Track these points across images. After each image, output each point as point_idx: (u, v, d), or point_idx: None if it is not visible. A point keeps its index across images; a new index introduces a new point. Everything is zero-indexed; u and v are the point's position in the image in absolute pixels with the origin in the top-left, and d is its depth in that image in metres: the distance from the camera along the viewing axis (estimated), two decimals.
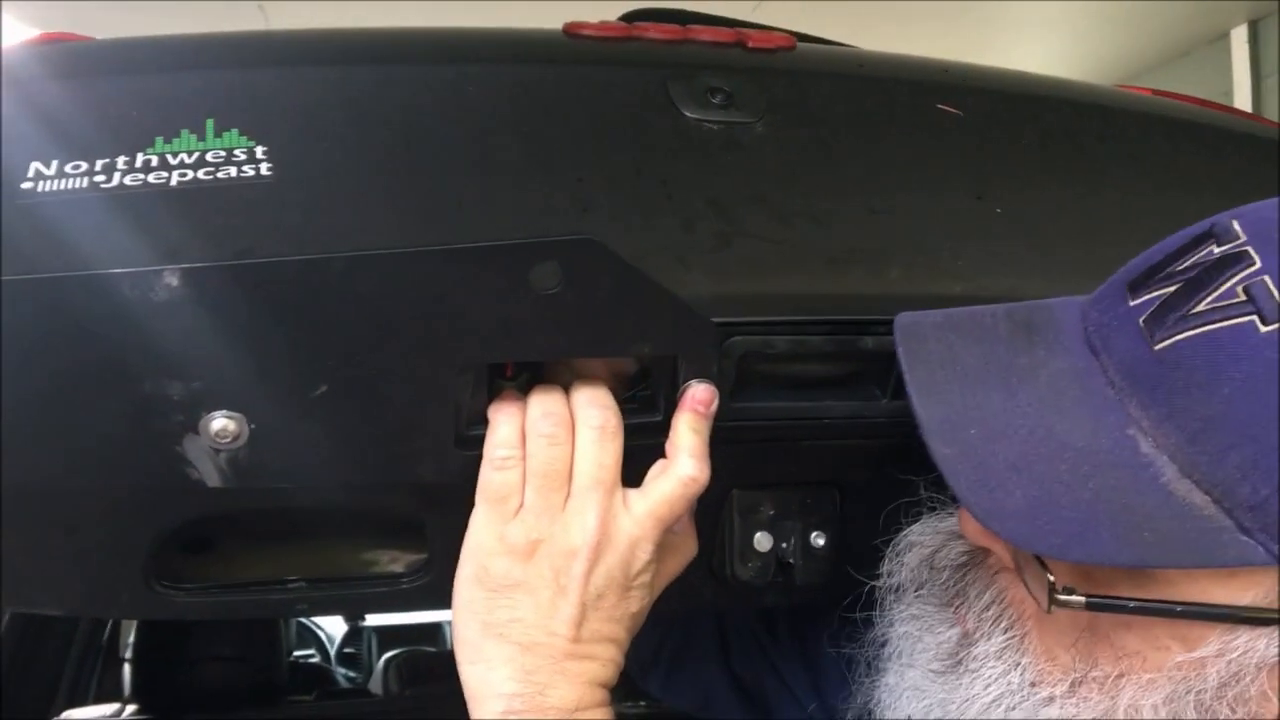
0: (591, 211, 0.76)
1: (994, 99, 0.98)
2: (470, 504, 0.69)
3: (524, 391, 0.70)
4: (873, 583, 0.77)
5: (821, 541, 0.82)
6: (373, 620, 4.32)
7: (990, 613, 0.67)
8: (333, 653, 4.12)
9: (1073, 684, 0.62)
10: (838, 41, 1.16)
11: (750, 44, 0.95)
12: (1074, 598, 0.60)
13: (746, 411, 0.73)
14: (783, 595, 0.85)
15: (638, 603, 0.69)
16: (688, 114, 0.84)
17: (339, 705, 2.32)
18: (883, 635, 0.76)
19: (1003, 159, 0.91)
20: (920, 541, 0.74)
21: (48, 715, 1.88)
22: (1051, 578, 0.60)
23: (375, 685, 2.81)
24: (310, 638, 4.05)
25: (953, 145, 0.91)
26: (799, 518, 0.82)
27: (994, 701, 0.65)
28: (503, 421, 0.68)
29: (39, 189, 0.70)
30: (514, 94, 0.84)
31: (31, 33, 0.86)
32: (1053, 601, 0.60)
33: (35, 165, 0.71)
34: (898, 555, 0.75)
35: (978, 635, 0.67)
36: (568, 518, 0.67)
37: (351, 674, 3.57)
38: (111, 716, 1.93)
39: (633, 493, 0.68)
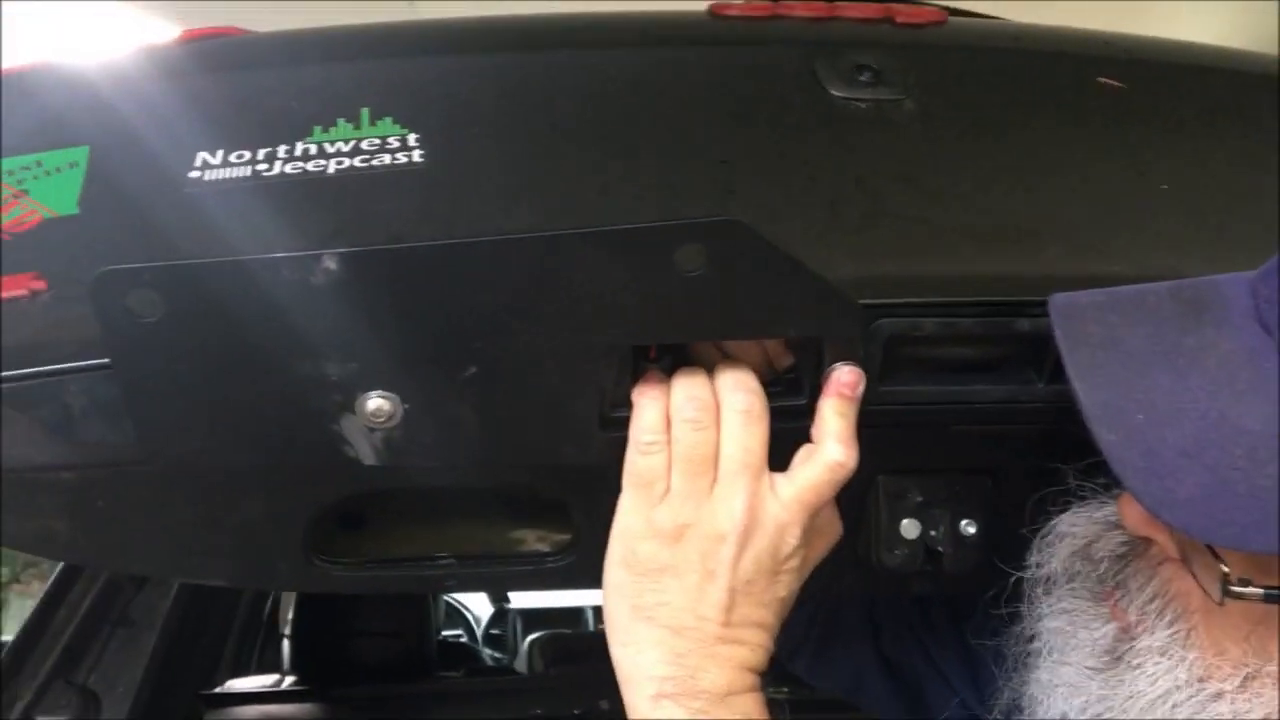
0: (736, 194, 0.76)
1: (1157, 71, 0.93)
2: (613, 486, 0.70)
3: (668, 374, 0.70)
4: (1020, 574, 0.74)
5: (972, 530, 0.79)
6: (517, 603, 4.42)
7: (1153, 606, 0.65)
8: (479, 633, 4.22)
9: (1245, 679, 0.60)
10: (989, 15, 1.12)
11: (899, 19, 0.92)
12: (1250, 589, 0.57)
13: (894, 395, 0.72)
14: (930, 583, 0.83)
15: (786, 587, 0.68)
16: (834, 92, 0.82)
17: (486, 681, 2.37)
18: (1030, 630, 0.73)
19: (1167, 134, 0.87)
20: (1073, 532, 0.72)
21: (212, 684, 1.97)
22: (1225, 568, 0.58)
23: (520, 665, 2.86)
24: (458, 619, 4.16)
25: (1113, 120, 0.87)
26: (948, 505, 0.79)
27: (1160, 698, 0.62)
28: (647, 405, 0.68)
29: (205, 178, 0.73)
30: (659, 77, 0.84)
31: (174, 30, 0.90)
32: (1226, 593, 0.57)
33: (202, 155, 0.75)
34: (1048, 546, 0.73)
35: (1140, 629, 0.64)
36: (715, 502, 0.66)
37: (497, 654, 3.65)
38: (271, 687, 2.02)
39: (779, 477, 0.68)
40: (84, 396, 0.66)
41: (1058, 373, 0.72)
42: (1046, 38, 0.99)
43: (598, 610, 4.43)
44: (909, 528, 0.79)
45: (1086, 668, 0.66)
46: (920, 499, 0.79)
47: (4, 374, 0.65)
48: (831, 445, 0.67)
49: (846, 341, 0.68)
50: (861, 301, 0.68)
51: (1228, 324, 0.61)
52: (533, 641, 2.66)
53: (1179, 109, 0.90)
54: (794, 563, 0.68)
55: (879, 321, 0.69)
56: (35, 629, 1.62)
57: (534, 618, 4.11)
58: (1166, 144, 0.86)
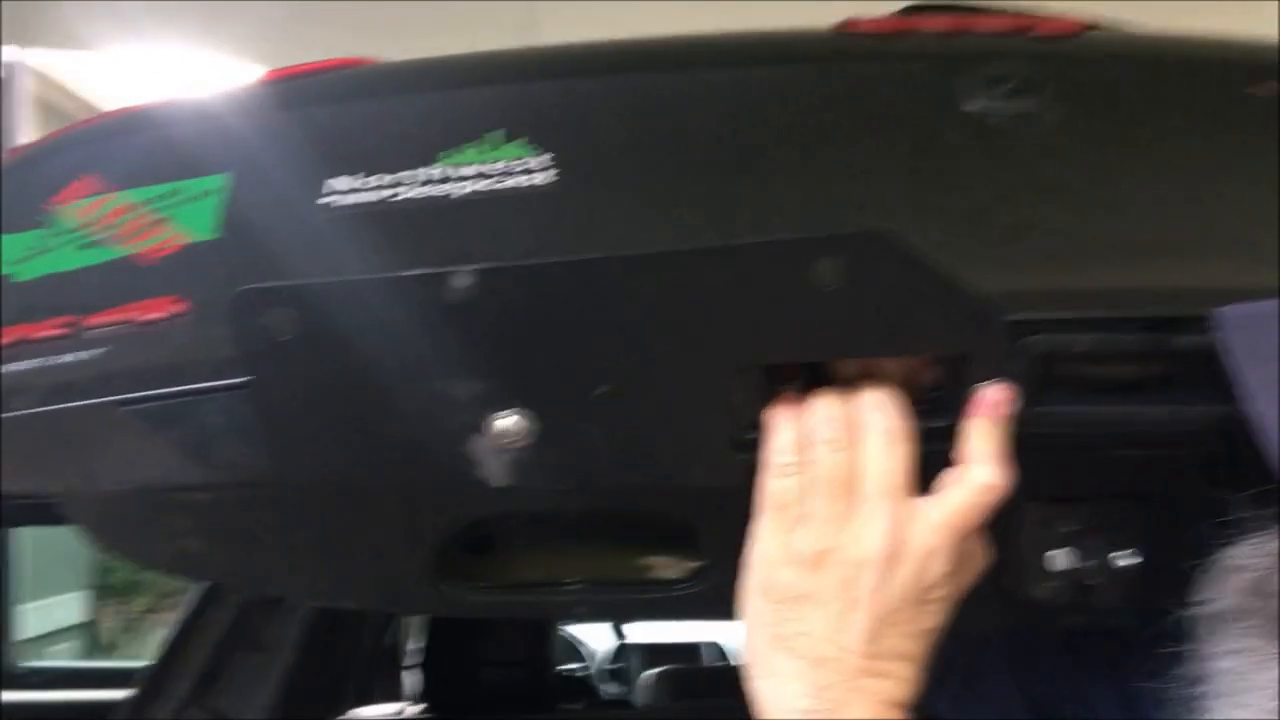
0: (869, 209, 0.73)
1: None
2: (745, 511, 0.67)
3: (804, 394, 0.68)
4: (1184, 612, 0.69)
5: (1126, 563, 0.75)
6: (633, 638, 4.41)
7: None
8: (594, 669, 4.22)
9: None
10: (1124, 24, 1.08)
11: (1036, 30, 0.89)
12: None
13: (1045, 417, 0.68)
14: (1081, 618, 0.78)
15: (933, 618, 0.65)
16: (971, 107, 0.79)
17: (605, 713, 2.36)
18: (1198, 672, 0.68)
19: None
20: (1245, 565, 0.67)
21: (339, 712, 1.99)
22: None
23: (637, 700, 2.84)
24: (574, 653, 4.16)
25: (1266, 129, 0.82)
26: (1102, 534, 0.75)
27: None
28: (783, 427, 0.66)
29: (333, 204, 0.74)
30: (790, 94, 0.82)
31: (258, 69, 0.91)
32: None
33: (330, 182, 0.76)
34: (1214, 581, 0.68)
35: None
36: (857, 527, 0.64)
37: (615, 688, 3.63)
38: (394, 715, 2.03)
39: (926, 501, 0.64)
40: (220, 416, 0.66)
41: (1224, 392, 0.68)
42: (1190, 45, 0.94)
43: (715, 646, 4.40)
44: (1059, 559, 0.75)
45: (1264, 711, 0.61)
46: (1072, 528, 0.75)
47: (144, 394, 0.66)
48: (982, 467, 0.64)
49: (995, 359, 0.65)
50: (1011, 318, 0.65)
51: None
52: (650, 676, 2.63)
53: None
54: (941, 591, 0.64)
55: (1030, 338, 0.66)
56: (170, 655, 1.66)
57: (651, 653, 4.09)
58: None
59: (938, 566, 0.64)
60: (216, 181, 0.80)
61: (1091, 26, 0.95)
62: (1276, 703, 0.61)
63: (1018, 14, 0.93)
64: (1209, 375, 0.67)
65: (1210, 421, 0.68)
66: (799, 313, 0.63)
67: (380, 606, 1.88)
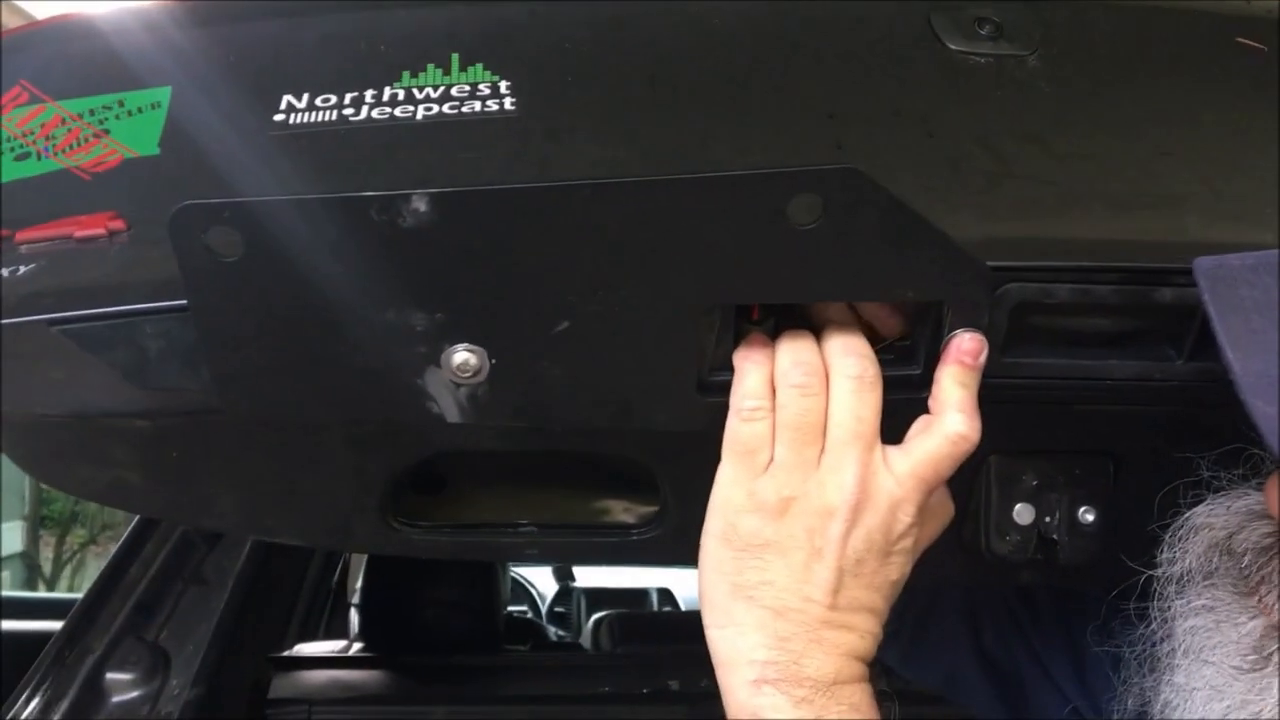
0: (845, 149, 0.71)
1: None
2: (708, 455, 0.65)
3: (772, 336, 0.65)
4: (1149, 571, 0.69)
5: (1091, 517, 0.74)
6: (582, 582, 4.42)
7: None
8: (543, 610, 4.23)
9: None
10: None
11: None
12: None
13: (1018, 368, 0.66)
14: (1043, 574, 0.77)
15: (898, 570, 0.63)
16: (952, 46, 0.77)
17: (554, 656, 2.36)
18: (1163, 630, 0.67)
19: None
20: (1210, 524, 0.66)
21: (281, 648, 1.97)
22: None
23: (584, 643, 2.85)
24: (523, 595, 4.17)
25: (1253, 82, 0.80)
26: (1066, 490, 0.74)
27: None
28: (751, 370, 0.64)
29: (290, 121, 0.70)
30: (764, 27, 0.79)
31: None
32: None
33: (287, 98, 0.72)
34: (1180, 540, 0.67)
35: None
36: (823, 474, 0.62)
37: (561, 632, 3.64)
38: (339, 652, 2.02)
39: (894, 450, 0.63)
40: (160, 340, 0.63)
41: (1198, 349, 0.67)
42: None
43: (662, 592, 4.43)
44: (1022, 513, 0.74)
45: (1231, 667, 0.61)
46: (1036, 482, 0.74)
47: (78, 314, 0.62)
48: (953, 416, 0.62)
49: (971, 306, 0.63)
50: (988, 264, 0.63)
51: None
52: (599, 620, 2.63)
53: None
54: (906, 543, 0.63)
55: (1007, 286, 0.64)
56: (108, 585, 1.62)
57: (598, 597, 4.10)
58: None
59: (905, 517, 0.62)
60: (163, 94, 0.76)
61: None
62: (1239, 660, 0.60)
63: None
64: (1184, 331, 0.66)
65: (1184, 378, 0.67)
66: (771, 251, 0.60)
67: (326, 544, 1.85)
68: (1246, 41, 0.84)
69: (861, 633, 0.62)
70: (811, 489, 0.61)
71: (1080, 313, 0.66)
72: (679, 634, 2.09)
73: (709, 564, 0.64)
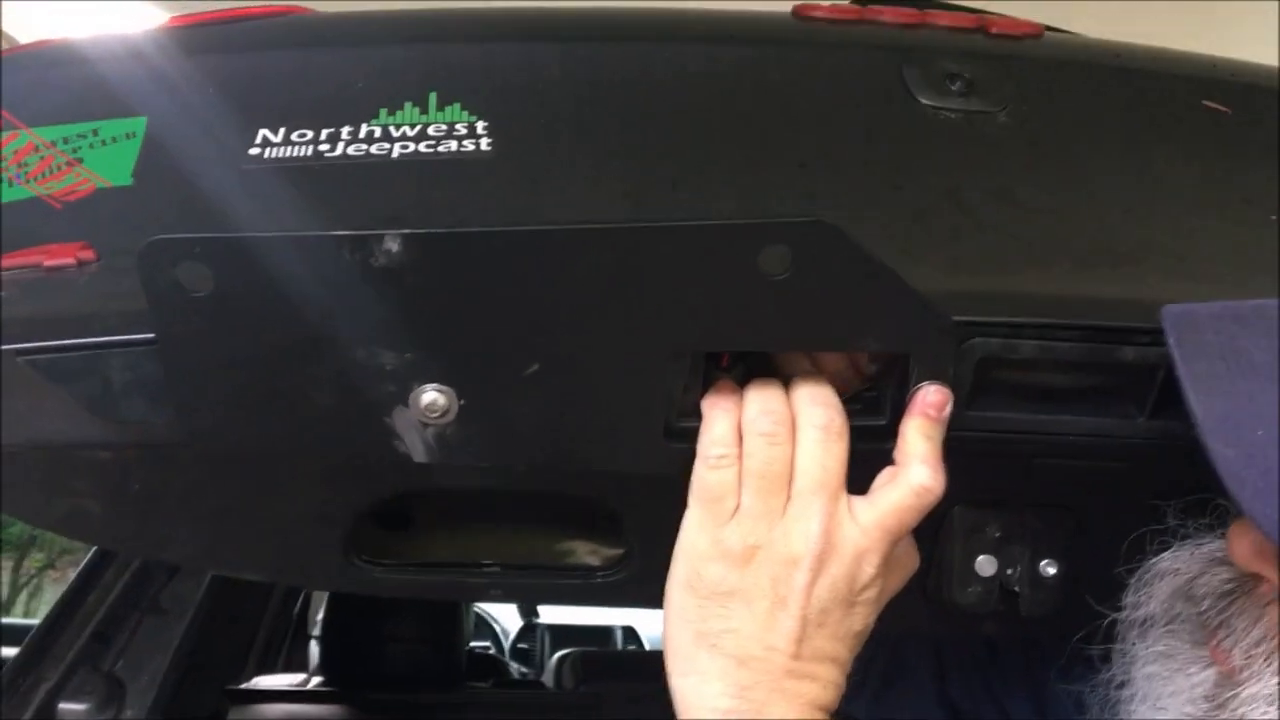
0: (815, 198, 0.72)
1: (1262, 96, 0.88)
2: (674, 500, 0.65)
3: (741, 384, 0.66)
4: (1114, 614, 0.69)
5: (1052, 570, 0.74)
6: (546, 618, 4.39)
7: (1260, 649, 0.60)
8: (506, 647, 4.20)
9: None
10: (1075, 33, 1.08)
11: (993, 30, 0.88)
12: None
13: (982, 421, 0.67)
14: (1005, 626, 0.78)
15: (861, 620, 0.63)
16: (923, 101, 0.78)
17: (515, 694, 2.34)
18: (1122, 675, 0.68)
19: (1274, 160, 0.82)
20: (1175, 569, 0.67)
21: (239, 680, 1.95)
22: None
23: (547, 680, 2.83)
24: (486, 630, 4.14)
25: (1222, 146, 0.82)
26: (1028, 542, 0.75)
27: None
28: (719, 417, 0.64)
29: (265, 155, 0.71)
30: (739, 75, 0.80)
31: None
32: None
33: (263, 132, 0.72)
34: (1145, 585, 0.68)
35: (1245, 675, 0.59)
36: (788, 523, 0.62)
37: (524, 669, 3.62)
38: (298, 686, 1.99)
39: (859, 500, 0.63)
40: (126, 373, 0.62)
41: (1160, 407, 0.68)
42: (1148, 56, 0.94)
43: (627, 630, 4.40)
44: (985, 565, 0.75)
45: (1185, 713, 0.61)
46: (998, 534, 0.75)
47: (45, 344, 0.62)
48: (918, 468, 0.62)
49: (936, 359, 0.63)
50: (954, 318, 0.63)
51: None
52: (562, 658, 2.61)
53: None
54: (871, 593, 0.63)
55: (972, 340, 0.64)
56: (64, 613, 1.60)
57: (562, 634, 4.08)
58: (1273, 171, 0.81)
59: (870, 567, 0.62)
60: (138, 124, 0.76)
61: (1050, 30, 0.95)
62: (1191, 707, 0.61)
63: (976, 12, 0.93)
64: (1146, 389, 0.67)
65: (1146, 435, 0.68)
66: (741, 300, 0.61)
67: (288, 580, 1.83)
68: (1211, 104, 0.86)
69: (824, 683, 0.62)
70: (777, 538, 0.62)
71: (1044, 368, 0.67)
72: (642, 673, 2.09)
73: (673, 611, 0.64)
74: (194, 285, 0.58)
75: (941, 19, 0.89)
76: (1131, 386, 0.67)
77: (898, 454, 0.64)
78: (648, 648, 4.02)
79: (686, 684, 0.62)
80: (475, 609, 3.64)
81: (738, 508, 0.62)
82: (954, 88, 0.80)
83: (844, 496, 0.62)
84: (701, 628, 0.62)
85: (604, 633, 4.21)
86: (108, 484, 0.70)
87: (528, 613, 4.54)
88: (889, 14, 0.89)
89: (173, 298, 0.58)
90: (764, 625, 0.61)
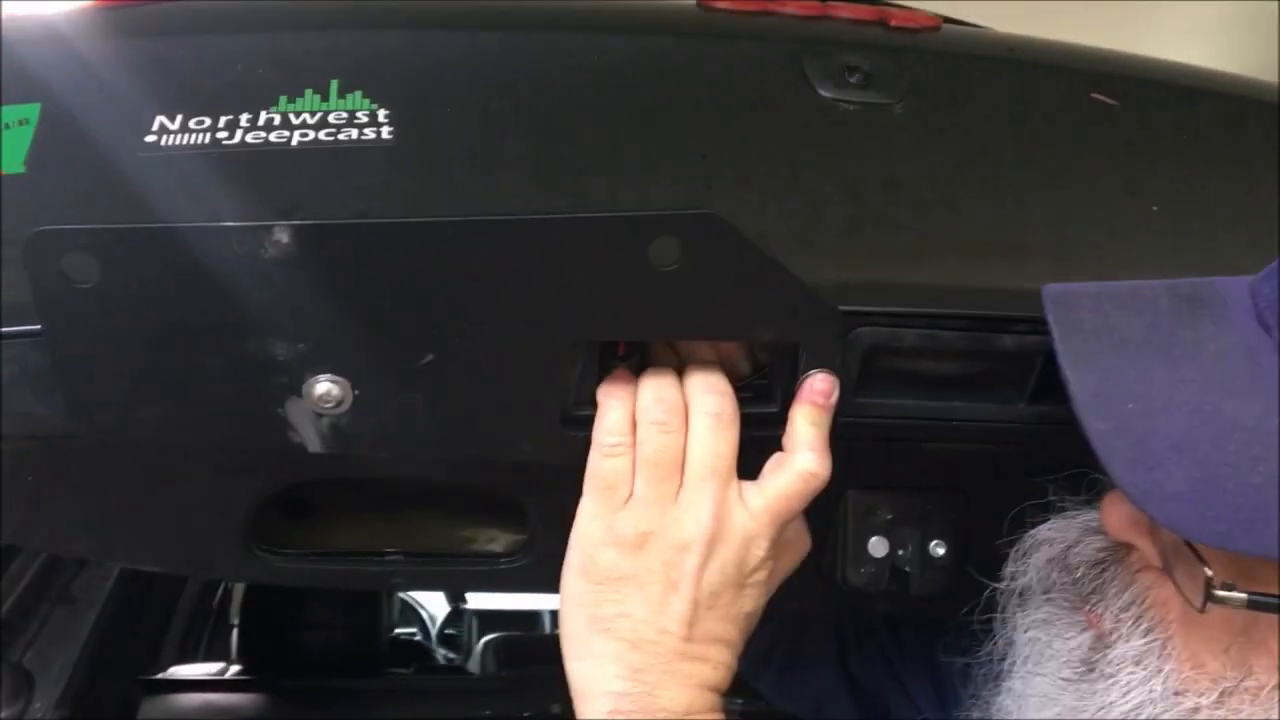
0: (714, 189, 0.73)
1: (1151, 90, 0.91)
2: (574, 487, 0.66)
3: (636, 372, 0.67)
4: (995, 585, 0.72)
5: (941, 551, 0.77)
6: (474, 603, 4.38)
7: (1129, 613, 0.62)
8: (434, 633, 4.18)
9: (1222, 694, 0.57)
10: (977, 25, 1.10)
11: (893, 23, 0.90)
12: (1234, 594, 0.55)
13: (869, 408, 0.69)
14: (897, 604, 0.80)
15: (752, 602, 0.65)
16: (823, 93, 0.80)
17: (435, 680, 2.33)
18: (1004, 643, 0.70)
19: (1159, 153, 0.85)
20: (1050, 539, 0.69)
21: (154, 670, 1.92)
22: (1209, 571, 0.55)
23: (473, 666, 2.83)
24: (413, 616, 4.11)
25: (1106, 137, 0.85)
26: (918, 524, 0.77)
27: (1133, 710, 0.60)
28: (613, 406, 0.65)
29: (162, 143, 0.70)
30: (642, 65, 0.81)
31: None
32: (1209, 598, 0.55)
33: (160, 119, 0.71)
34: (1024, 556, 0.70)
35: (1115, 638, 0.62)
36: (680, 509, 0.63)
37: (451, 654, 3.61)
38: (215, 675, 1.97)
39: (749, 485, 0.65)
40: (14, 364, 0.62)
41: (1040, 392, 0.70)
42: (1042, 50, 0.97)
43: (555, 614, 4.39)
44: (876, 546, 0.77)
45: (1061, 678, 0.64)
46: (890, 516, 0.77)
47: None
48: (804, 454, 0.64)
49: (824, 348, 0.65)
50: (841, 308, 0.65)
51: (1225, 320, 0.59)
52: (486, 643, 2.62)
53: (1171, 129, 0.88)
54: (760, 575, 0.65)
55: (858, 330, 0.66)
56: None
57: (490, 619, 4.06)
58: (1158, 163, 0.84)
59: (759, 550, 0.64)
60: (31, 111, 0.74)
61: (948, 22, 0.97)
62: (1068, 671, 0.63)
63: (877, 5, 0.94)
64: (1026, 375, 0.69)
65: (1027, 420, 0.70)
66: (634, 291, 0.62)
67: (188, 572, 1.81)
68: (1100, 96, 0.89)
69: (715, 664, 0.64)
70: (669, 524, 0.63)
71: (929, 356, 0.69)
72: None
73: (569, 596, 0.65)
74: (80, 276, 0.57)
75: (842, 10, 0.91)
76: (1012, 372, 0.70)
77: (786, 440, 0.65)
78: None
79: (581, 667, 0.64)
80: (400, 595, 3.62)
81: (631, 495, 0.64)
82: (852, 80, 0.81)
83: (734, 482, 0.64)
84: (596, 612, 0.64)
85: (532, 617, 4.21)
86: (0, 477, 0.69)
87: (455, 598, 4.52)
88: (792, 6, 0.90)
89: (59, 289, 0.57)
90: (656, 609, 0.63)
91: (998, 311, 0.68)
